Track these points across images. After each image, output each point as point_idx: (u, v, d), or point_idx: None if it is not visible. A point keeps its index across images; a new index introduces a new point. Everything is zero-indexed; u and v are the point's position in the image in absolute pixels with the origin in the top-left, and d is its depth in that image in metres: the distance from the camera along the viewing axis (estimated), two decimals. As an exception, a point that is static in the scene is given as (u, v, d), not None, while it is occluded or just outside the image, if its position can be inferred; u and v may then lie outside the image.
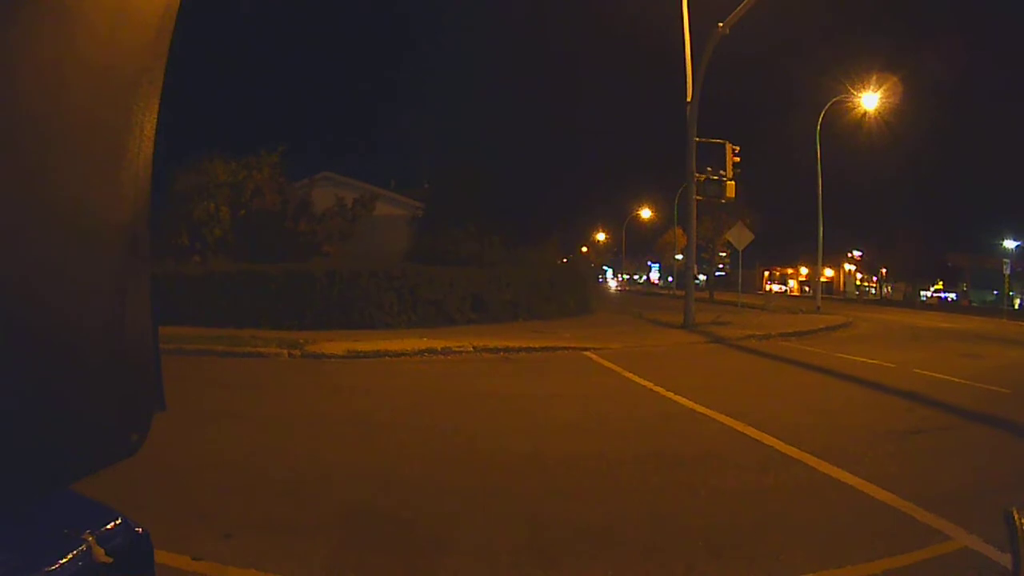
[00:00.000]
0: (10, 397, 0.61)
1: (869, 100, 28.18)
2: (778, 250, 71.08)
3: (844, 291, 79.36)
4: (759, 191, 43.40)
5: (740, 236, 24.04)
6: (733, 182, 18.39)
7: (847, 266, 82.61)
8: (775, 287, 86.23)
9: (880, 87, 27.81)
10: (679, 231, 44.51)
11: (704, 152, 18.15)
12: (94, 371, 0.69)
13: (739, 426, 6.57)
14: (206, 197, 18.54)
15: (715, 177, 18.26)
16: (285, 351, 11.18)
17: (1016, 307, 49.05)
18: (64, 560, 0.67)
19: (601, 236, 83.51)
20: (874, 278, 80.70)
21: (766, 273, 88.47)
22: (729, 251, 42.57)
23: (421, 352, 11.57)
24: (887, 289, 76.23)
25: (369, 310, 15.30)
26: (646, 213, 67.42)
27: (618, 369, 10.42)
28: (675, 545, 3.79)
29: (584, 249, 78.53)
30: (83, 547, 0.69)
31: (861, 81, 28.27)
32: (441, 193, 23.78)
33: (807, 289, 72.79)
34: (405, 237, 22.92)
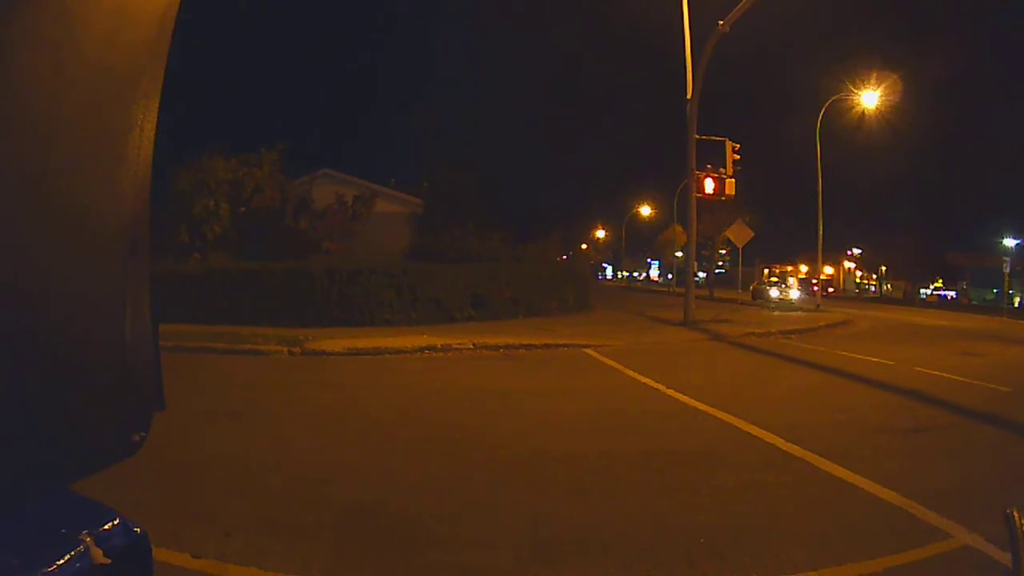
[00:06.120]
0: (10, 397, 0.61)
1: (869, 98, 28.15)
2: (778, 248, 71.20)
3: (844, 288, 79.31)
4: (759, 189, 43.41)
5: (740, 234, 24.04)
6: (733, 180, 18.43)
7: (847, 263, 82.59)
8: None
9: (880, 85, 27.78)
10: (679, 229, 44.42)
11: (704, 150, 18.19)
12: (94, 371, 0.68)
13: (740, 424, 6.57)
14: (206, 194, 18.51)
15: (715, 174, 18.27)
16: (285, 349, 11.19)
17: (1016, 305, 49.04)
18: (61, 561, 0.66)
19: (601, 233, 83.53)
20: (874, 276, 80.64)
21: (766, 270, 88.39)
22: (729, 248, 42.58)
23: (421, 349, 11.58)
24: (887, 287, 76.16)
25: (369, 307, 15.29)
26: (646, 210, 67.43)
27: (618, 366, 10.42)
28: (676, 543, 3.79)
29: (584, 246, 78.54)
30: (80, 548, 0.69)
31: (861, 79, 28.26)
32: (441, 191, 23.79)
33: (807, 287, 72.69)
34: (405, 235, 22.92)
